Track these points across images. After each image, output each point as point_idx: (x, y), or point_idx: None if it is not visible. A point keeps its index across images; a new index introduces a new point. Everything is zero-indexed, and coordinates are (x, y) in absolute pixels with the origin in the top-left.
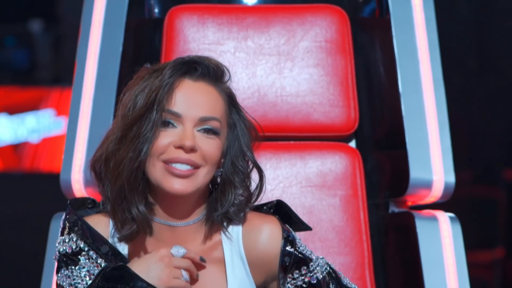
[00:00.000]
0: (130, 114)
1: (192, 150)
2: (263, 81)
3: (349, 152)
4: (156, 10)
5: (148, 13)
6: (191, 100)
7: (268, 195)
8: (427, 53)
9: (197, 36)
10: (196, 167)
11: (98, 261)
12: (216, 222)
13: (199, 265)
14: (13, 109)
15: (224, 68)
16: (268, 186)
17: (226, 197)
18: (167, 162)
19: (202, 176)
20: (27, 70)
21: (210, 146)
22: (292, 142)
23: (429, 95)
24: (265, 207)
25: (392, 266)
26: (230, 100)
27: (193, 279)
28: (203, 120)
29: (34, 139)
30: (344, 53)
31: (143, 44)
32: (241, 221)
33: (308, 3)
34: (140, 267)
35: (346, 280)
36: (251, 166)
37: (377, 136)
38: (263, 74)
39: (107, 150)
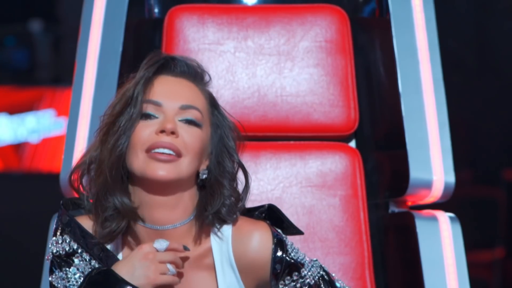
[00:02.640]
0: (110, 114)
1: (173, 133)
2: (263, 81)
3: (349, 152)
4: (156, 10)
5: (148, 13)
6: (170, 90)
7: (268, 195)
8: (427, 53)
9: (197, 36)
10: (178, 154)
11: (92, 263)
12: (207, 223)
13: (188, 271)
14: (13, 109)
15: (204, 70)
16: (268, 186)
17: (215, 199)
18: (149, 149)
19: (185, 166)
20: (27, 70)
21: (192, 135)
22: (292, 142)
23: (429, 95)
24: (256, 212)
25: (392, 266)
26: (212, 101)
27: (179, 271)
28: (183, 108)
29: (34, 139)
30: (344, 53)
31: (143, 44)
32: (232, 224)
33: (308, 3)
34: (125, 267)
35: (340, 283)
36: (236, 167)
37: (377, 136)
38: (263, 74)
39: (90, 156)
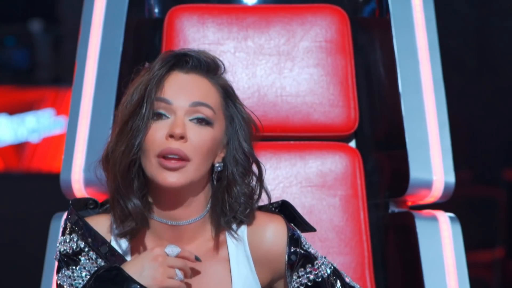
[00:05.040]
0: (126, 110)
1: (181, 137)
2: (263, 81)
3: (349, 152)
4: (156, 10)
5: (148, 13)
6: (181, 88)
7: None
8: (427, 53)
9: (197, 36)
10: (185, 159)
11: (98, 262)
12: (224, 223)
13: (203, 264)
14: (13, 109)
15: (219, 61)
16: (268, 186)
17: (230, 194)
18: (160, 155)
19: (193, 170)
20: (27, 70)
21: (201, 136)
22: (292, 142)
23: (429, 95)
24: (270, 207)
25: (392, 266)
26: (226, 93)
27: (187, 279)
28: (193, 105)
29: (34, 139)
30: (344, 53)
31: (143, 44)
32: (248, 220)
33: (308, 3)
34: (134, 267)
35: (348, 279)
36: (251, 160)
37: (377, 136)
38: (263, 74)
39: (107, 148)
